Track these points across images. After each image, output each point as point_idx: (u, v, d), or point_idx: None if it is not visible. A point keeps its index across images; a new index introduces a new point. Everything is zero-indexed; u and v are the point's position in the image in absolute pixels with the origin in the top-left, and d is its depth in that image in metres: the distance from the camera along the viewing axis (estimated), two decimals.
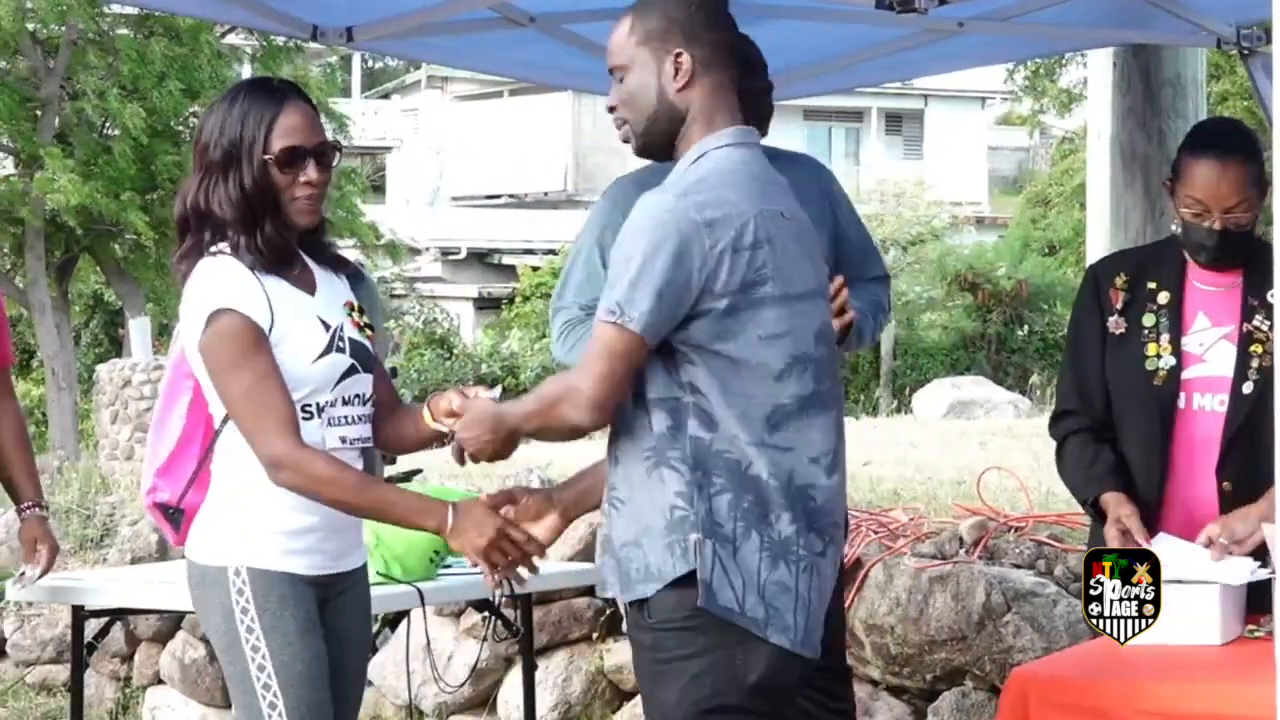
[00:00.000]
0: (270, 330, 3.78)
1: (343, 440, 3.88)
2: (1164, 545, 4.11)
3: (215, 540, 3.89)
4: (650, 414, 3.57)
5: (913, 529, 6.67)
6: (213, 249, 3.83)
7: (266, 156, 3.81)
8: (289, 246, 3.88)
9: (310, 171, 3.85)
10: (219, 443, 3.90)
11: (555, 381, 3.65)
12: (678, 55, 3.64)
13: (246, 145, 3.81)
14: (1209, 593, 3.92)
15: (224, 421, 3.87)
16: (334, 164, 3.93)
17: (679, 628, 3.55)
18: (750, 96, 3.99)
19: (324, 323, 3.88)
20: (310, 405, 3.83)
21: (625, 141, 3.76)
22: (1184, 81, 7.76)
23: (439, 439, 3.96)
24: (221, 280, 3.79)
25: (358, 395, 3.92)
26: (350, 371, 3.89)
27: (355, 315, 3.96)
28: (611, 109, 3.72)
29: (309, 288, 3.92)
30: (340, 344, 3.88)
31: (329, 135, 3.96)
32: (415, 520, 3.82)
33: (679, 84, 3.64)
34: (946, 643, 6.15)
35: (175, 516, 4.14)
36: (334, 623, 3.95)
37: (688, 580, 3.53)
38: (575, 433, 3.61)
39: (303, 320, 3.85)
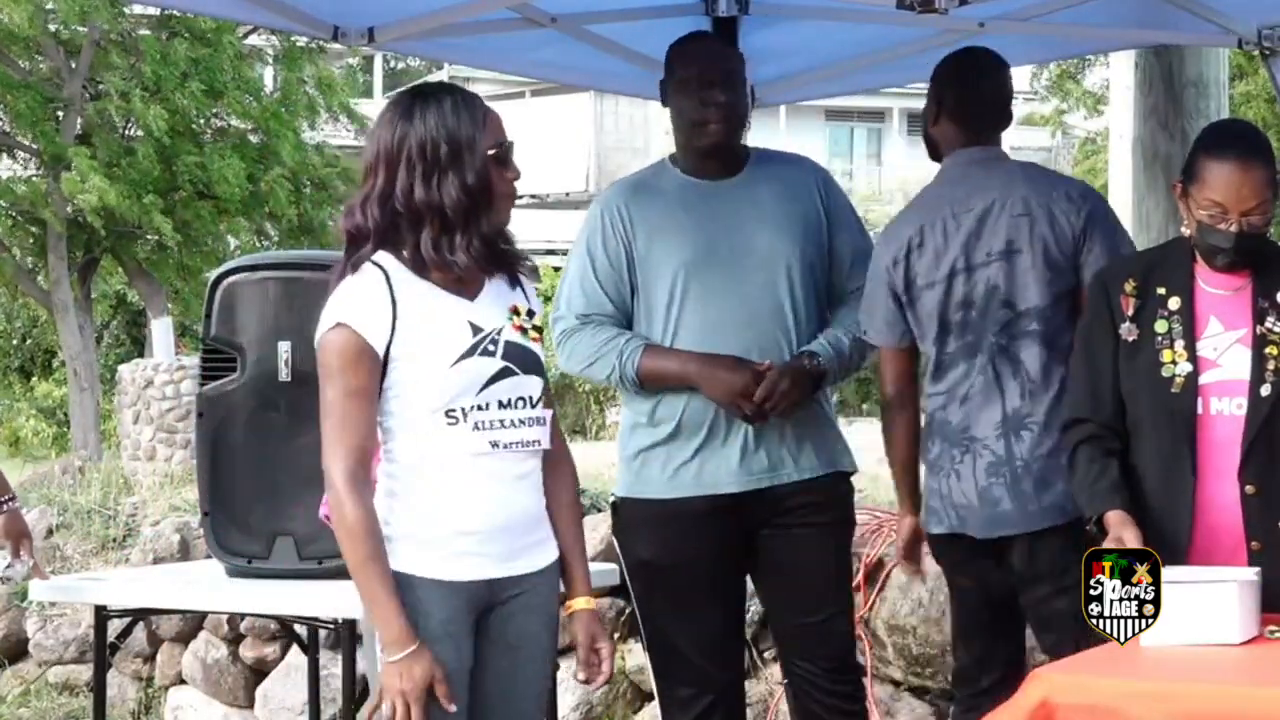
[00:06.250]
0: (390, 343, 3.77)
1: (494, 444, 3.83)
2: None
3: None
4: None
5: None
6: (372, 256, 3.81)
7: (491, 152, 3.81)
8: (494, 245, 3.86)
9: (515, 168, 3.88)
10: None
11: None
12: None
13: (466, 142, 3.79)
14: (1226, 591, 3.91)
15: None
16: None
17: None
18: None
19: (475, 326, 3.84)
20: (455, 410, 3.79)
21: None
22: (1206, 82, 7.74)
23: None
24: (347, 293, 3.79)
25: (520, 398, 3.87)
26: (504, 374, 3.85)
27: (517, 319, 3.92)
28: None
29: (470, 292, 3.88)
30: (489, 347, 3.83)
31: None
32: (375, 622, 3.76)
33: None
34: None
35: None
36: (502, 627, 3.94)
37: None
38: None
39: (443, 325, 3.81)
